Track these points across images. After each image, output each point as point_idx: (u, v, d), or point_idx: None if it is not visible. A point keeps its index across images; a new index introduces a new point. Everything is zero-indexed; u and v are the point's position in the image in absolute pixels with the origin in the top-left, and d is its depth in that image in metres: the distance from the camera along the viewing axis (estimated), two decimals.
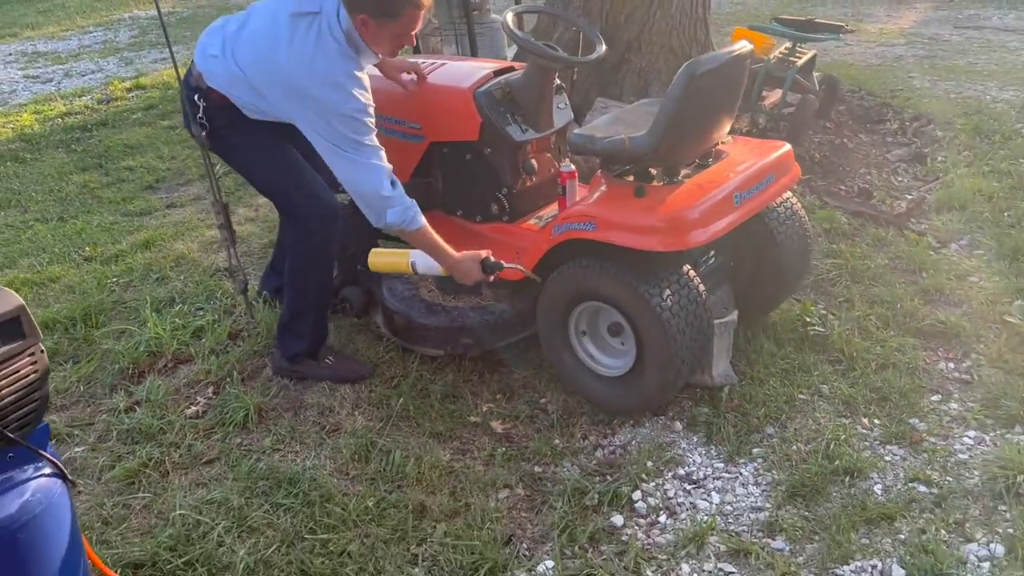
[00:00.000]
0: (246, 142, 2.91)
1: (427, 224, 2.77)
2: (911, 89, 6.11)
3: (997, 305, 3.36)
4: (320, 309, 3.13)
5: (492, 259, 2.79)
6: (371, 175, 2.67)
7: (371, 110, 2.68)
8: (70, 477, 1.89)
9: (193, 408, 2.98)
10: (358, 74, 2.67)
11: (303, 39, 2.64)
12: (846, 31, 5.19)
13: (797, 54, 5.00)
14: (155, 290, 3.78)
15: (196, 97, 2.86)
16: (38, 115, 7.17)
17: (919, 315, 3.36)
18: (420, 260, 2.84)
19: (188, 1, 12.94)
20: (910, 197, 4.41)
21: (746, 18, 8.06)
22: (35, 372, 1.81)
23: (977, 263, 3.73)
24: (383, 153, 2.71)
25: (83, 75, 8.74)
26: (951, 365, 3.11)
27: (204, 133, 2.90)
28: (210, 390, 3.07)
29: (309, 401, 3.00)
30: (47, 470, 1.87)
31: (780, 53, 5.01)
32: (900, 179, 4.68)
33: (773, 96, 5.02)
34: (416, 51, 5.09)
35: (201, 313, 3.54)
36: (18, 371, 1.77)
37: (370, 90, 2.71)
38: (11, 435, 1.76)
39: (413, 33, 2.70)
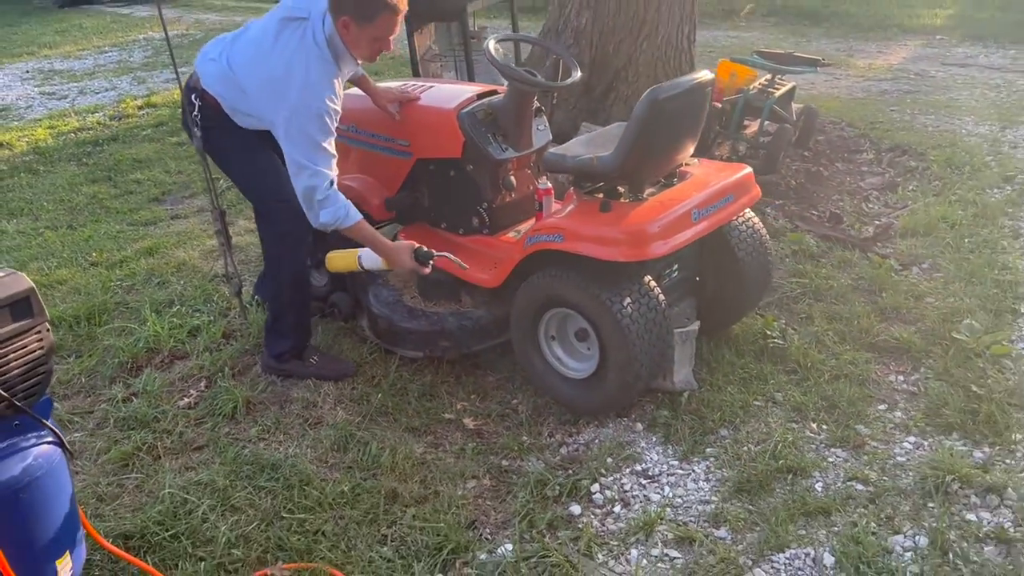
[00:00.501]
0: (233, 145, 3.17)
1: (362, 219, 3.01)
2: (890, 122, 6.34)
3: (948, 323, 3.55)
4: (297, 310, 3.34)
5: (424, 249, 3.03)
6: (316, 179, 2.89)
7: (335, 115, 2.92)
8: (68, 447, 2.10)
9: (186, 400, 3.20)
10: (333, 80, 2.92)
11: (287, 41, 2.91)
12: (822, 64, 5.42)
13: (776, 86, 5.23)
14: (156, 293, 4.02)
15: (193, 97, 3.12)
16: (52, 130, 7.44)
17: (874, 331, 3.56)
18: (365, 255, 3.11)
19: (201, 24, 13.28)
20: (878, 223, 4.62)
21: (740, 51, 8.31)
22: (41, 348, 2.02)
23: (935, 285, 3.93)
24: (334, 162, 2.95)
25: (97, 93, 9.03)
26: (900, 378, 3.31)
27: (198, 131, 3.15)
28: (203, 384, 3.29)
29: (294, 396, 3.22)
30: (49, 439, 2.08)
31: (760, 84, 5.24)
32: (871, 206, 4.90)
33: (754, 125, 5.24)
34: (416, 75, 5.36)
35: (198, 314, 3.77)
36: (26, 347, 1.99)
37: (341, 98, 2.96)
38: (18, 404, 1.97)
39: (390, 38, 2.93)
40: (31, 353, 2.00)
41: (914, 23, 10.16)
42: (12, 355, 1.96)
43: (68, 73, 10.24)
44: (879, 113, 6.62)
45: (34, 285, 1.97)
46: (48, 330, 2.03)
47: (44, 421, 2.05)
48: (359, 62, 3.12)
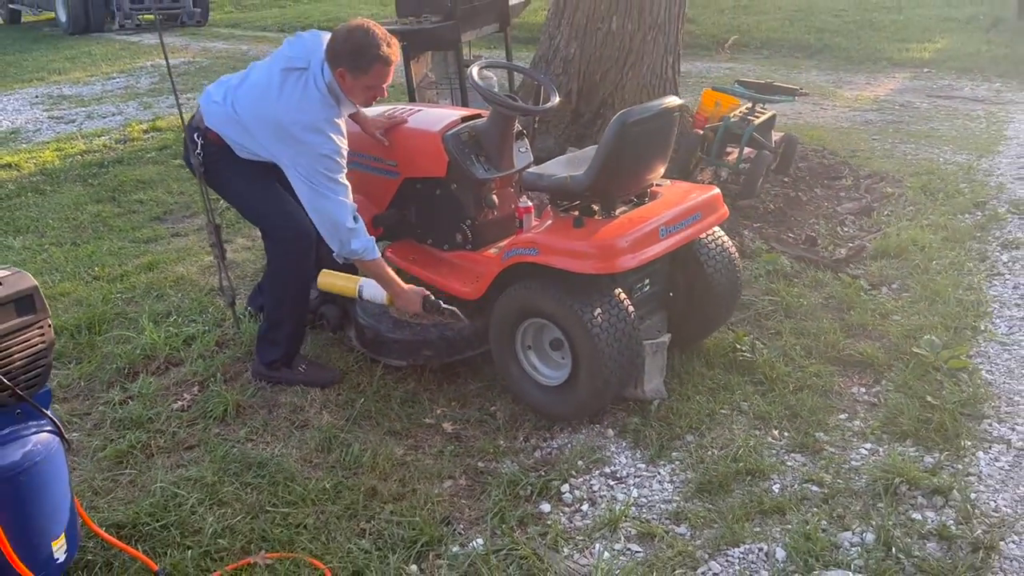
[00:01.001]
0: (234, 175, 3.39)
1: (381, 257, 3.27)
2: (871, 150, 6.53)
3: (911, 339, 3.71)
4: (295, 321, 3.52)
5: (433, 299, 3.26)
6: (340, 209, 3.14)
7: (344, 152, 3.16)
8: (65, 436, 2.27)
9: (179, 402, 3.37)
10: (336, 121, 3.17)
11: (291, 89, 3.13)
12: (801, 94, 5.63)
13: (756, 114, 5.43)
14: (154, 305, 4.20)
15: (195, 136, 3.33)
16: (59, 152, 7.66)
17: (840, 346, 3.72)
18: (367, 287, 3.31)
19: (208, 52, 13.56)
20: (851, 245, 4.80)
21: (731, 82, 8.53)
22: (43, 342, 2.20)
23: (901, 304, 4.10)
24: (349, 191, 3.19)
25: (104, 117, 9.26)
26: (862, 390, 3.46)
27: (201, 166, 3.35)
28: (195, 388, 3.47)
29: (282, 400, 3.38)
30: (48, 427, 2.25)
31: (740, 113, 5.44)
32: (846, 229, 5.08)
33: (735, 152, 5.43)
34: (412, 101, 5.57)
35: (193, 324, 3.95)
36: (29, 340, 2.16)
37: (346, 135, 3.19)
38: (21, 393, 2.14)
39: (384, 86, 3.18)
40: (33, 346, 2.17)
41: (904, 56, 10.39)
42: (16, 347, 2.13)
43: (76, 98, 10.48)
44: (861, 142, 6.82)
45: (37, 284, 2.14)
46: (49, 326, 2.21)
47: (44, 410, 2.22)
48: (355, 109, 3.38)
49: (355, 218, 3.18)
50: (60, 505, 2.28)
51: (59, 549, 2.28)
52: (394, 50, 3.13)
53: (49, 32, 16.93)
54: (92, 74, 12.25)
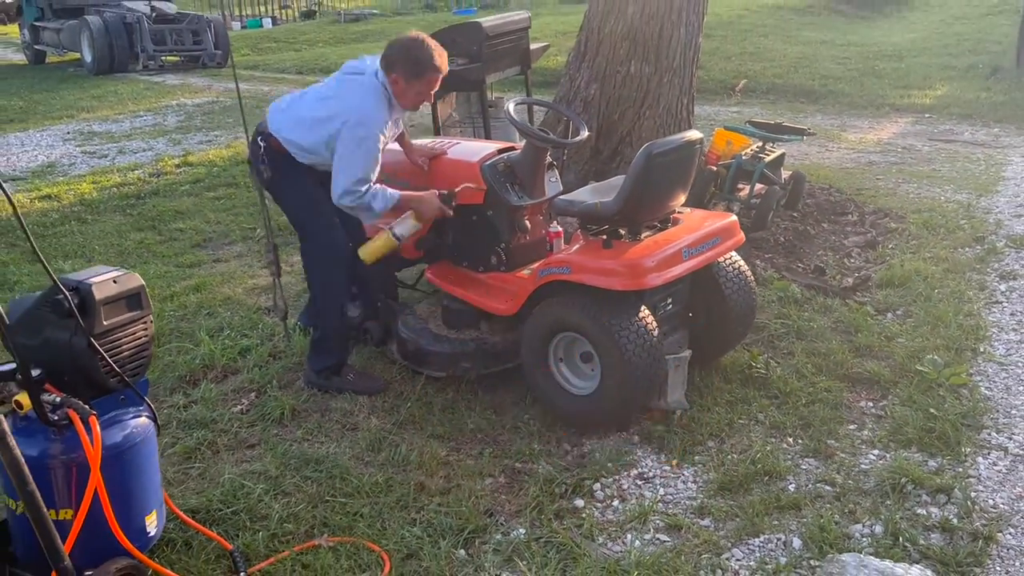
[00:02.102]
0: (290, 182, 3.72)
1: (401, 192, 3.63)
2: (876, 189, 6.85)
3: (914, 359, 3.98)
4: (336, 332, 3.84)
5: (445, 193, 3.65)
6: (359, 185, 3.50)
7: (382, 143, 3.55)
8: (158, 421, 2.54)
9: (239, 407, 3.65)
10: (385, 114, 3.56)
11: (349, 86, 3.62)
12: (809, 134, 5.96)
13: (766, 152, 5.76)
14: (207, 321, 4.49)
15: (260, 139, 3.68)
16: (96, 184, 7.99)
17: (848, 364, 3.99)
18: (398, 227, 3.65)
19: (230, 93, 14.01)
20: (858, 275, 5.08)
21: (738, 123, 8.88)
22: (146, 336, 2.48)
23: (905, 328, 4.37)
24: (375, 172, 3.55)
25: (135, 152, 9.62)
26: (870, 404, 3.73)
27: (263, 167, 3.70)
28: (253, 394, 3.75)
29: (334, 406, 3.66)
30: (146, 412, 2.53)
31: (752, 151, 5.77)
32: (852, 261, 5.37)
33: (746, 188, 5.75)
34: (437, 134, 5.92)
35: (246, 338, 4.24)
36: (135, 333, 2.45)
37: (388, 136, 3.61)
38: (127, 380, 2.42)
39: (432, 92, 3.63)
40: (139, 339, 2.46)
41: (905, 102, 10.75)
42: (124, 339, 2.41)
43: (107, 134, 10.87)
44: (866, 181, 7.13)
45: (144, 283, 2.43)
46: (152, 321, 2.49)
47: (144, 397, 2.49)
48: (402, 114, 3.76)
49: (370, 184, 3.52)
50: (153, 483, 2.55)
51: (151, 524, 2.54)
52: (445, 61, 3.54)
53: (74, 72, 17.44)
54: (120, 112, 12.67)
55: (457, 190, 3.65)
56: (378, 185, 3.56)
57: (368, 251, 3.69)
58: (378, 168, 3.55)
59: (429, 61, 3.49)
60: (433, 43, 3.52)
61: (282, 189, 3.77)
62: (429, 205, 3.64)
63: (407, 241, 3.72)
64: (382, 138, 3.53)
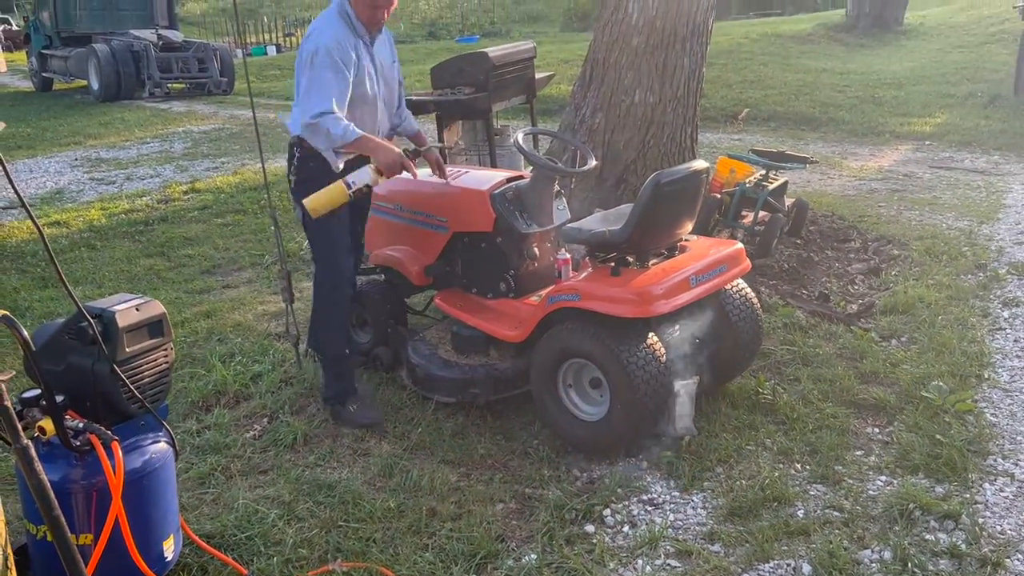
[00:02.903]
0: (309, 189, 3.52)
1: (363, 133, 3.48)
2: (878, 216, 6.91)
3: (920, 385, 4.01)
4: (335, 360, 3.81)
5: (411, 148, 3.54)
6: (317, 107, 3.42)
7: (338, 56, 3.45)
8: (177, 446, 2.58)
9: (252, 432, 3.69)
10: (339, 38, 3.47)
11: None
12: (811, 162, 6.03)
13: (770, 180, 5.83)
14: (218, 347, 4.54)
15: (294, 148, 3.71)
16: (104, 211, 8.07)
17: (855, 391, 4.03)
18: (352, 176, 3.43)
19: (236, 119, 14.14)
20: (862, 301, 5.13)
21: (741, 151, 8.97)
22: (167, 363, 2.53)
23: (910, 354, 4.40)
24: (335, 100, 3.43)
25: (143, 179, 9.72)
26: (876, 430, 3.76)
27: (290, 178, 3.76)
28: (265, 419, 3.79)
29: (345, 431, 3.70)
30: (165, 438, 2.57)
31: (755, 179, 5.84)
32: (856, 287, 5.42)
33: (750, 215, 5.81)
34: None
35: (258, 364, 4.29)
36: (156, 360, 2.49)
37: (349, 48, 3.52)
38: (148, 405, 2.46)
39: (387, 10, 3.57)
40: (159, 365, 2.50)
41: (906, 130, 10.86)
42: (146, 366, 2.46)
43: (114, 161, 10.97)
44: (868, 208, 7.20)
45: (165, 311, 2.48)
46: (172, 348, 2.54)
47: (163, 422, 2.53)
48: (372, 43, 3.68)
49: (330, 111, 3.41)
50: (171, 508, 2.58)
51: (168, 548, 2.57)
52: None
53: (81, 99, 17.63)
54: (127, 139, 12.79)
55: (423, 149, 3.53)
56: (345, 121, 3.42)
57: (317, 200, 3.39)
58: (337, 95, 3.44)
59: None
60: None
61: (297, 199, 3.67)
62: (388, 153, 3.44)
63: (360, 194, 3.46)
64: (335, 59, 3.43)
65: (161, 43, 17.15)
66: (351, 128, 3.43)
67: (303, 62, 3.48)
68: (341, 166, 3.61)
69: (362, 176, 3.39)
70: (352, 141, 3.44)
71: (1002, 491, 3.25)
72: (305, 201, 3.40)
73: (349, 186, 3.36)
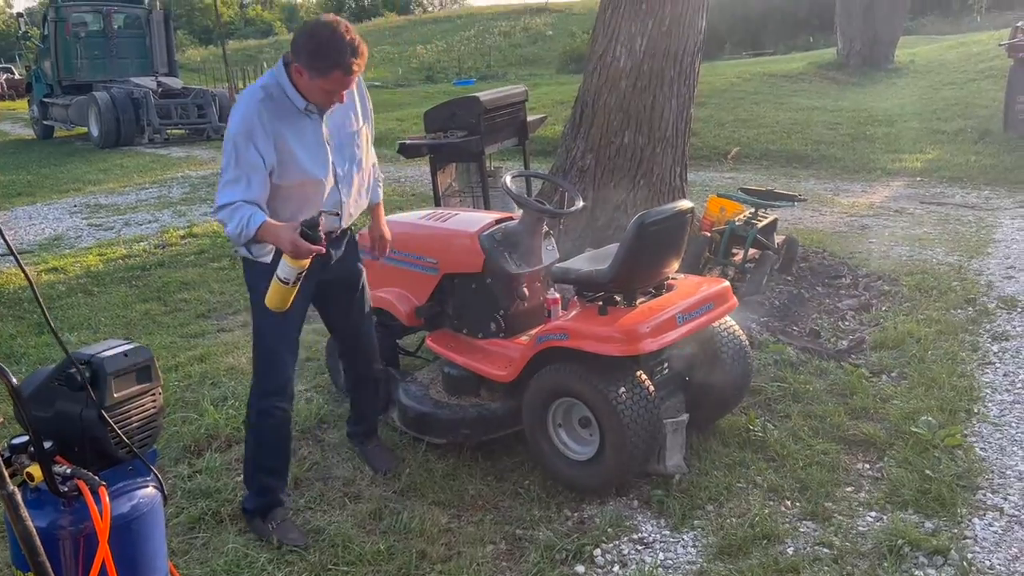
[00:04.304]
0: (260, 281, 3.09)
1: (267, 219, 2.92)
2: (868, 252, 6.97)
3: (909, 421, 4.03)
4: (261, 477, 3.33)
5: (307, 218, 2.85)
6: (219, 200, 2.97)
7: (245, 140, 2.92)
8: (165, 491, 2.59)
9: (243, 476, 3.67)
10: (254, 117, 2.94)
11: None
12: (800, 200, 6.10)
13: (759, 218, 5.89)
14: (211, 391, 4.55)
15: None
16: (102, 256, 8.14)
17: (844, 427, 4.04)
18: (279, 270, 2.93)
19: None
20: (852, 337, 5.16)
21: (733, 190, 9.06)
22: (155, 408, 2.55)
23: (900, 390, 4.42)
24: (240, 188, 2.93)
25: (140, 224, 9.80)
26: (866, 465, 3.77)
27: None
28: None
29: (336, 474, 3.71)
30: (153, 483, 2.58)
31: (744, 217, 5.90)
32: (847, 323, 5.45)
33: (740, 253, 5.87)
34: (438, 204, 6.07)
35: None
36: (144, 405, 2.51)
37: (260, 126, 2.96)
38: (136, 450, 2.48)
39: (343, 92, 3.03)
40: (148, 410, 2.52)
41: (897, 166, 10.96)
42: (134, 411, 2.48)
43: (113, 207, 11.07)
44: (859, 244, 7.26)
45: (153, 356, 2.51)
46: (160, 393, 2.56)
47: (152, 467, 2.55)
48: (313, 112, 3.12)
49: (229, 204, 2.93)
50: (159, 553, 2.58)
51: None
52: (360, 60, 2.93)
53: (81, 146, 17.82)
54: (125, 185, 12.90)
55: (320, 216, 2.89)
56: (246, 209, 2.91)
57: (271, 300, 2.99)
58: (244, 188, 2.93)
59: (336, 58, 2.87)
60: (350, 34, 2.89)
61: (254, 291, 3.25)
62: (279, 238, 2.87)
63: (298, 281, 2.94)
64: (244, 146, 2.92)
65: (161, 90, 17.39)
66: (248, 219, 2.90)
67: (224, 144, 3.04)
68: (268, 259, 3.14)
69: (285, 269, 2.91)
70: (254, 234, 2.91)
71: (991, 526, 3.25)
72: (266, 301, 3.01)
73: (284, 281, 2.94)
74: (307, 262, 2.89)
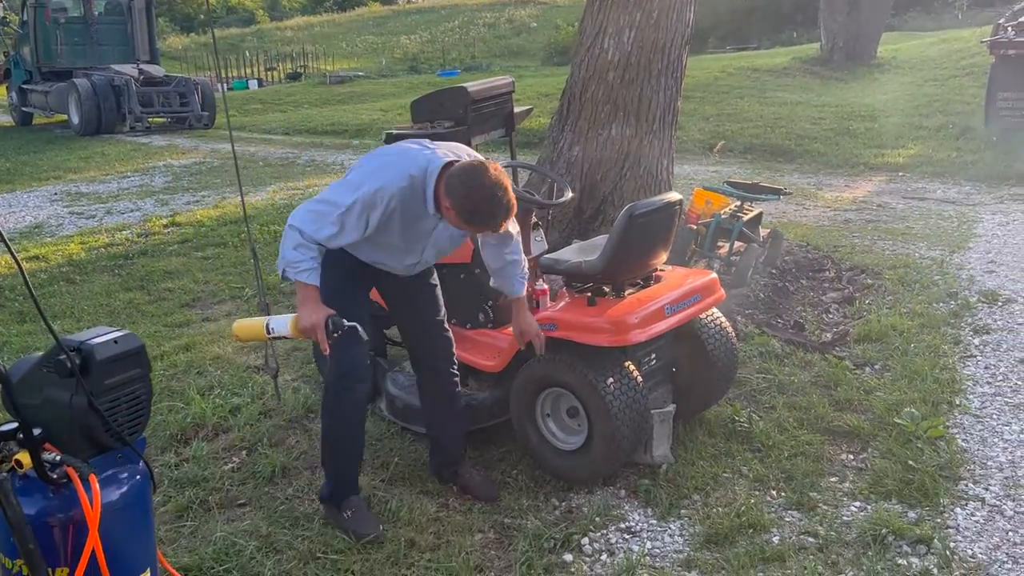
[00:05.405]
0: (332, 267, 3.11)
1: (315, 286, 2.97)
2: (852, 246, 7.02)
3: (893, 412, 4.07)
4: (335, 462, 3.29)
5: (337, 318, 2.92)
6: (306, 228, 2.96)
7: (363, 206, 2.92)
8: (155, 479, 2.58)
9: (230, 464, 3.69)
10: (385, 209, 2.93)
11: (398, 158, 3.04)
12: (785, 194, 6.13)
13: (745, 211, 5.92)
14: (197, 380, 4.54)
15: None
16: (84, 245, 8.06)
17: (829, 418, 4.08)
18: (274, 323, 3.00)
19: (217, 154, 14.18)
20: (836, 330, 5.21)
21: (718, 183, 9.10)
22: (144, 395, 2.54)
23: (884, 382, 4.47)
24: (331, 233, 2.95)
25: (123, 213, 9.71)
26: (850, 456, 3.81)
27: None
28: (244, 452, 3.79)
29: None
30: (142, 470, 2.57)
31: (730, 210, 5.93)
32: (831, 316, 5.50)
33: (726, 246, 5.90)
34: None
35: (237, 396, 4.29)
36: (134, 392, 2.50)
37: (380, 202, 2.94)
38: (125, 438, 2.46)
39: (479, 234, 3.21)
40: (137, 397, 2.51)
41: (879, 161, 11.04)
42: (124, 398, 2.47)
43: (94, 195, 10.96)
44: (842, 238, 7.31)
45: (143, 344, 2.50)
46: (150, 381, 2.55)
47: (141, 455, 2.54)
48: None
49: (313, 239, 2.96)
50: (148, 541, 2.57)
51: None
52: (508, 223, 3.06)
53: (61, 134, 17.62)
54: (107, 173, 12.78)
55: (346, 322, 2.94)
56: (313, 258, 2.97)
57: (240, 326, 3.10)
58: (341, 236, 2.97)
59: (489, 220, 2.95)
60: (506, 199, 2.90)
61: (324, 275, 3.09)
62: (306, 308, 2.94)
63: (275, 337, 3.05)
64: (365, 211, 2.93)
65: (142, 78, 17.20)
66: (304, 271, 2.95)
67: (350, 184, 3.01)
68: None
69: (280, 326, 2.97)
70: (294, 279, 2.99)
71: (973, 516, 3.30)
72: (234, 327, 3.11)
73: (269, 331, 2.99)
74: (300, 337, 2.99)
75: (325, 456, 3.35)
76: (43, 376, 2.40)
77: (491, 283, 3.61)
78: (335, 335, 2.92)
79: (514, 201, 2.95)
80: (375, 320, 4.24)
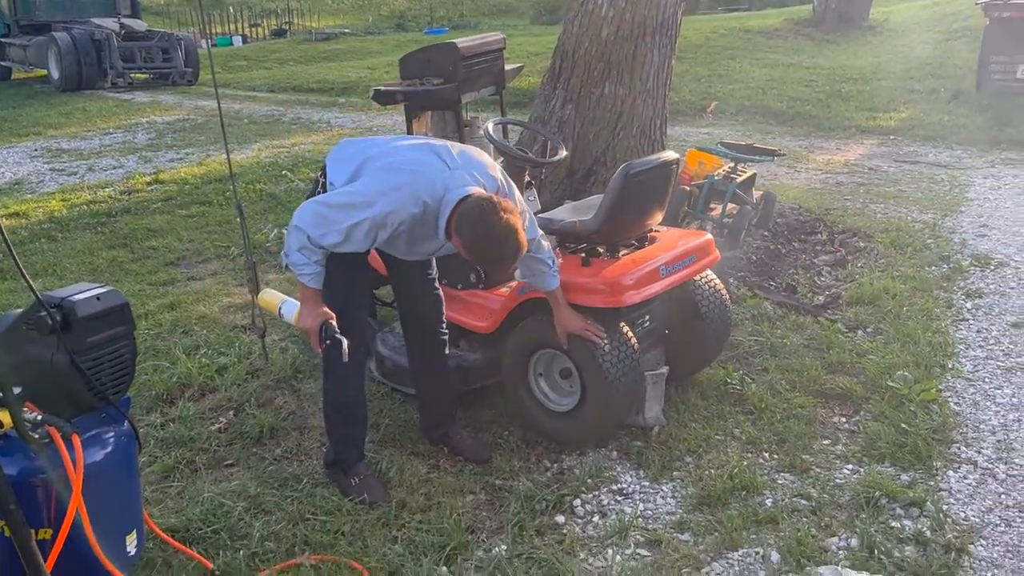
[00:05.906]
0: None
1: (316, 289, 2.96)
2: (844, 209, 6.98)
3: (885, 375, 4.05)
4: (337, 427, 3.29)
5: (332, 326, 2.94)
6: (310, 231, 2.87)
7: (372, 225, 2.86)
8: (139, 438, 2.53)
9: (217, 425, 3.63)
10: (395, 230, 2.89)
11: (428, 174, 2.92)
12: (779, 155, 6.07)
13: (738, 172, 5.85)
14: (182, 340, 4.47)
15: (319, 174, 3.31)
16: (65, 202, 7.91)
17: (821, 381, 4.06)
18: (286, 307, 3.15)
19: (200, 111, 13.95)
20: (828, 293, 5.18)
21: (709, 143, 9.02)
22: (128, 353, 2.47)
23: (876, 345, 4.45)
24: (334, 240, 2.87)
25: (105, 170, 9.54)
26: (843, 419, 3.79)
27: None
28: (231, 412, 3.74)
29: (313, 423, 3.66)
30: (126, 430, 2.51)
31: (723, 171, 5.86)
32: (823, 279, 5.46)
33: (719, 207, 5.84)
34: None
35: (223, 356, 4.23)
36: (118, 350, 2.44)
37: (389, 224, 2.88)
38: (109, 397, 2.40)
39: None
40: (121, 356, 2.45)
41: (871, 124, 10.97)
42: (106, 357, 2.40)
43: (75, 152, 10.77)
44: (834, 201, 7.26)
45: (127, 301, 2.43)
46: (134, 339, 2.48)
47: (125, 415, 2.48)
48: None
49: (314, 243, 2.89)
50: (133, 502, 2.53)
51: (131, 543, 2.52)
52: (510, 263, 2.96)
53: (40, 89, 17.26)
54: (88, 129, 12.55)
55: (335, 324, 2.95)
56: (317, 262, 2.92)
57: (264, 298, 3.28)
58: (347, 244, 2.90)
59: (497, 264, 3.02)
60: (516, 242, 2.83)
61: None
62: (306, 308, 2.97)
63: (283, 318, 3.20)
64: (374, 231, 2.87)
65: (124, 32, 16.85)
66: (307, 274, 2.93)
67: (362, 197, 2.91)
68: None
69: (288, 313, 3.13)
70: (297, 273, 2.97)
71: (965, 478, 3.29)
72: (260, 293, 3.31)
73: (280, 313, 3.18)
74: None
75: (329, 421, 3.32)
76: (23, 333, 2.34)
77: (517, 275, 3.47)
78: (326, 343, 2.95)
79: (524, 243, 2.89)
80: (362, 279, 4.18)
